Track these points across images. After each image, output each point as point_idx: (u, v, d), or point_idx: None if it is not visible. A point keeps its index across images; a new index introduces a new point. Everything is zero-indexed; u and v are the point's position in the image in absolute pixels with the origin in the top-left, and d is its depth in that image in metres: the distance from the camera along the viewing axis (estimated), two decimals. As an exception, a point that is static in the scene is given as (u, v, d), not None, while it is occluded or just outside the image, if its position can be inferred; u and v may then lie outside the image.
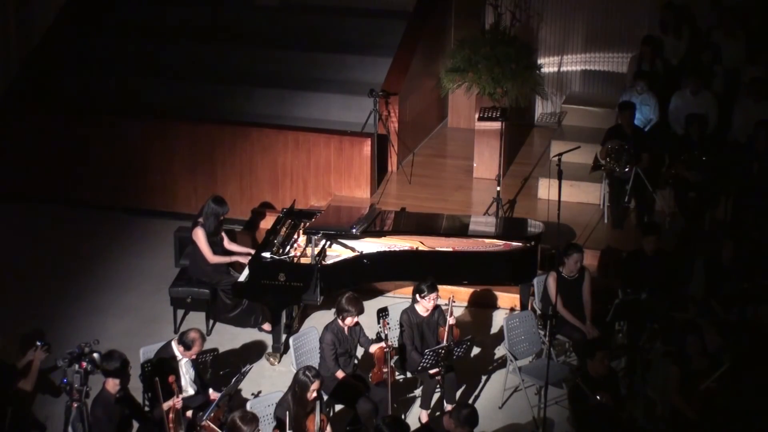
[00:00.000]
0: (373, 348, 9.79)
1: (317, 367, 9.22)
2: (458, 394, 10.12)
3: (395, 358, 9.85)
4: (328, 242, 10.94)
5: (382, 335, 9.61)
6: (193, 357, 9.40)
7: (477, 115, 13.50)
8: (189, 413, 9.06)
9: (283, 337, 10.75)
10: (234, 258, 11.31)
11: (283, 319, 10.84)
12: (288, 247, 10.94)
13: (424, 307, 9.89)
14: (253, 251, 11.20)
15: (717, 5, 14.18)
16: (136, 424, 9.08)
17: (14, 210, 13.91)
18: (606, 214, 12.78)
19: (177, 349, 9.34)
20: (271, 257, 10.72)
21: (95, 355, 8.00)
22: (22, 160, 14.18)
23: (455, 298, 10.38)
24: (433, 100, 15.13)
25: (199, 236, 11.14)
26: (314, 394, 8.71)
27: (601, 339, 10.00)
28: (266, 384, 10.29)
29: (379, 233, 11.04)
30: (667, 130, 13.21)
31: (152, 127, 13.93)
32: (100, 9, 16.20)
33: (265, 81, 15.01)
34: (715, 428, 9.13)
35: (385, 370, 9.52)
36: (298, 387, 8.72)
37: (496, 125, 13.13)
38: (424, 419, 9.79)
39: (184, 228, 12.21)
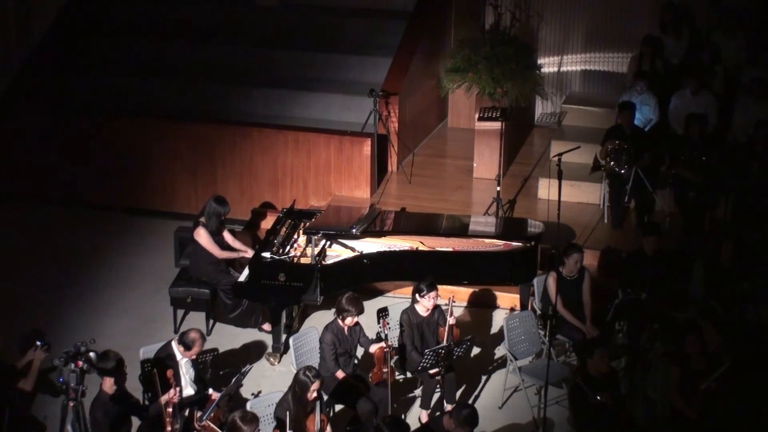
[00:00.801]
0: (373, 348, 9.79)
1: (317, 367, 9.22)
2: (458, 394, 10.13)
3: (395, 358, 9.85)
4: (328, 242, 10.94)
5: (382, 335, 9.61)
6: (193, 357, 9.40)
7: (477, 115, 13.51)
8: (186, 412, 9.06)
9: (283, 337, 10.75)
10: (239, 253, 11.33)
11: (283, 319, 10.84)
12: (288, 247, 10.94)
13: (424, 306, 9.90)
14: (255, 249, 11.21)
15: (717, 5, 14.19)
16: (135, 422, 9.08)
17: (14, 210, 13.92)
18: (606, 214, 12.78)
19: (177, 350, 9.34)
20: (271, 257, 10.72)
21: (91, 354, 7.99)
22: (22, 160, 14.18)
23: (455, 298, 10.37)
24: (433, 100, 15.13)
25: (202, 235, 11.14)
26: (314, 394, 8.71)
27: (601, 339, 10.00)
28: (266, 384, 10.29)
29: (379, 233, 11.04)
30: (667, 130, 13.21)
31: (152, 127, 13.93)
32: (100, 9, 16.20)
33: (265, 81, 15.02)
34: (715, 428, 9.13)
35: (385, 370, 9.52)
36: (298, 387, 8.72)
37: (496, 125, 13.13)
38: (424, 419, 9.79)
39: (184, 228, 12.21)
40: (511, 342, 10.23)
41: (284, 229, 11.28)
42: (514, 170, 14.04)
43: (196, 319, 11.25)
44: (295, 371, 9.05)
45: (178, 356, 9.33)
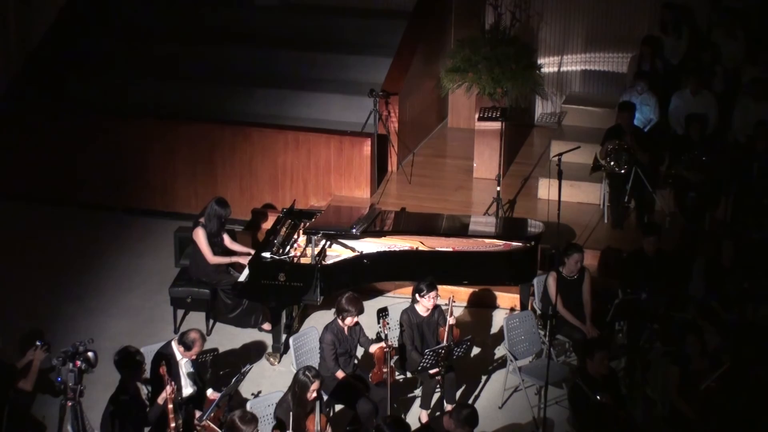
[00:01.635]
0: (373, 348, 9.79)
1: (317, 367, 9.22)
2: (458, 394, 10.13)
3: (395, 358, 9.85)
4: (328, 242, 10.94)
5: (382, 335, 9.61)
6: (193, 357, 9.39)
7: (477, 115, 13.51)
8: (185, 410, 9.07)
9: (283, 337, 10.74)
10: (234, 258, 11.31)
11: (283, 319, 10.84)
12: (288, 247, 10.94)
13: (424, 306, 9.89)
14: (253, 251, 11.20)
15: (717, 5, 14.18)
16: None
17: (14, 210, 13.91)
18: (606, 214, 12.78)
19: (177, 350, 9.33)
20: (271, 257, 10.72)
21: (90, 354, 7.98)
22: (22, 160, 14.18)
23: (455, 298, 10.37)
24: (433, 100, 15.13)
25: (200, 236, 11.14)
26: (314, 394, 8.71)
27: (601, 339, 9.99)
28: (266, 384, 10.28)
29: (379, 233, 11.04)
30: (667, 130, 13.21)
31: (152, 128, 13.93)
32: (100, 9, 16.20)
33: (265, 81, 15.01)
34: (715, 428, 9.13)
35: (385, 370, 9.51)
36: (298, 387, 8.72)
37: (496, 125, 13.13)
38: (424, 419, 9.79)
39: (184, 228, 12.21)
40: (511, 342, 10.23)
41: (284, 229, 11.28)
42: (514, 170, 14.03)
43: (196, 319, 11.25)
44: (295, 371, 9.05)
45: (178, 356, 9.33)
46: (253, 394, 9.91)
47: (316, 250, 10.77)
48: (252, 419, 8.22)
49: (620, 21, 14.88)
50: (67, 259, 12.71)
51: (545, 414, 9.54)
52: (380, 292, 11.83)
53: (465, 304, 11.76)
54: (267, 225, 12.56)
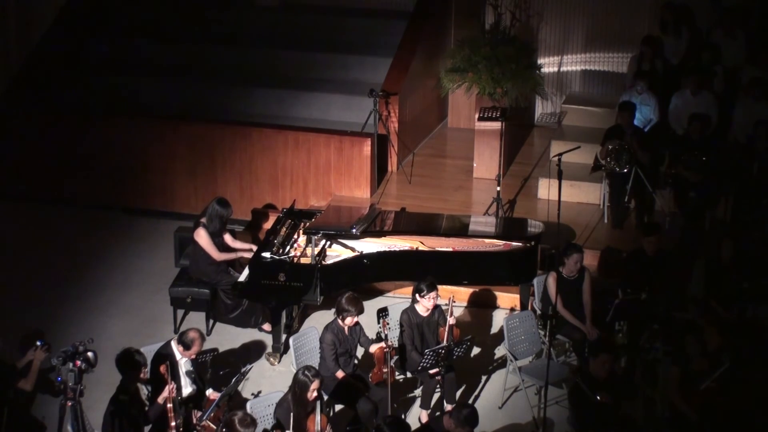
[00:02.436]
0: (373, 348, 9.79)
1: (317, 367, 9.22)
2: (458, 394, 10.13)
3: (395, 358, 9.85)
4: (328, 242, 10.94)
5: (382, 335, 9.61)
6: (193, 357, 9.39)
7: (477, 115, 13.51)
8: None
9: (283, 337, 10.75)
10: (238, 254, 11.32)
11: (283, 319, 10.84)
12: (288, 247, 10.94)
13: (424, 306, 9.89)
14: (255, 247, 11.21)
15: (717, 5, 14.18)
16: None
17: (14, 210, 13.91)
18: (606, 214, 12.78)
19: (176, 349, 9.33)
20: (271, 257, 10.72)
21: (90, 354, 7.98)
22: (22, 160, 14.18)
23: (455, 298, 10.37)
24: (433, 100, 15.13)
25: (202, 236, 11.13)
26: (314, 394, 8.71)
27: (608, 342, 9.99)
28: (266, 384, 10.28)
29: (379, 233, 11.04)
30: (667, 130, 13.21)
31: (152, 127, 13.93)
32: (99, 9, 16.19)
33: (265, 81, 15.01)
34: (715, 428, 9.13)
35: (385, 370, 9.52)
36: (298, 387, 8.71)
37: (496, 125, 13.13)
38: (424, 419, 9.79)
39: (184, 228, 12.21)
40: (511, 342, 10.23)
41: (284, 229, 11.28)
42: (514, 170, 14.03)
43: (196, 319, 11.25)
44: (295, 371, 9.05)
45: (178, 356, 9.32)
46: (253, 394, 9.91)
47: (316, 250, 10.77)
48: (251, 423, 8.16)
49: (620, 21, 14.87)
50: (66, 259, 12.71)
51: (545, 414, 9.54)
52: (380, 292, 11.83)
53: (465, 304, 11.75)
54: (267, 225, 12.56)
